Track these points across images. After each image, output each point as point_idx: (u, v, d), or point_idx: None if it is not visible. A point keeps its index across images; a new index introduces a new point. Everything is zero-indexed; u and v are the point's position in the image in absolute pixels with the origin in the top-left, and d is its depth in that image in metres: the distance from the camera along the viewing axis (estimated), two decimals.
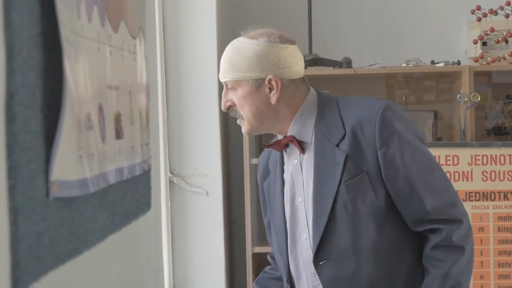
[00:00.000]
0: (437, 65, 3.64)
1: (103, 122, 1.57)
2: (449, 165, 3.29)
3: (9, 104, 1.15)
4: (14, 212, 1.15)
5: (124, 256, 1.85)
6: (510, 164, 3.30)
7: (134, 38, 1.88)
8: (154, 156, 2.23)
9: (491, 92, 3.90)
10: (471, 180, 3.31)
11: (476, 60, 3.64)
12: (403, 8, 4.08)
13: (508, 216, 3.30)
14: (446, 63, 3.62)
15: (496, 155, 3.31)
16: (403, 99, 3.90)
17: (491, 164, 3.31)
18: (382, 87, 3.94)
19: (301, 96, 2.06)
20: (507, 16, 3.58)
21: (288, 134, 2.05)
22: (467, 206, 2.03)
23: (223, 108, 2.06)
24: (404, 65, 3.66)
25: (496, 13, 3.59)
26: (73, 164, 1.35)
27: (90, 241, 1.51)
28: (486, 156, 3.31)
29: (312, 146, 2.03)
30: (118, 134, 1.69)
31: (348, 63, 3.61)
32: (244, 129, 2.07)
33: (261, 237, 3.45)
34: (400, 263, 2.02)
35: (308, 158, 2.04)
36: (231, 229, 3.84)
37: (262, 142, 3.70)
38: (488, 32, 3.63)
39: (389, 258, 2.00)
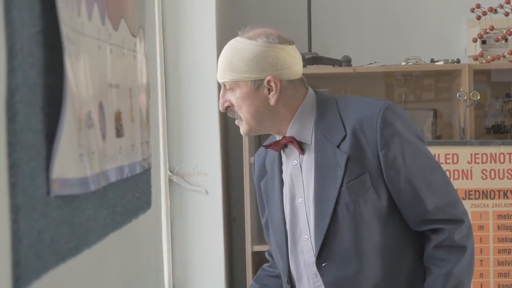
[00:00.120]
0: (436, 63, 3.64)
1: (104, 120, 1.57)
2: (449, 163, 3.29)
3: (10, 102, 1.15)
4: (15, 210, 1.15)
5: (125, 255, 1.85)
6: (509, 162, 3.30)
7: (134, 36, 1.87)
8: (154, 155, 2.22)
9: (490, 90, 3.90)
10: (471, 179, 3.31)
11: (475, 59, 3.64)
12: (403, 6, 4.08)
13: (508, 215, 3.30)
14: (446, 61, 3.62)
15: (495, 154, 3.31)
16: (403, 97, 3.90)
17: (490, 162, 3.31)
18: (381, 86, 3.94)
19: (300, 96, 2.05)
20: (506, 14, 3.58)
21: (287, 134, 2.04)
22: (467, 204, 2.04)
23: (221, 108, 2.05)
24: (403, 63, 3.66)
25: (495, 11, 3.59)
26: (74, 162, 1.35)
27: (91, 239, 1.51)
28: (486, 154, 3.31)
29: (312, 147, 2.02)
30: (119, 132, 1.68)
31: (347, 61, 3.61)
32: (243, 130, 2.06)
33: (261, 236, 3.45)
34: (402, 263, 2.02)
35: (308, 159, 2.03)
36: (231, 228, 3.84)
37: (261, 141, 3.69)
38: (487, 30, 3.63)
39: (392, 258, 2.00)
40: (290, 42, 2.03)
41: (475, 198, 3.30)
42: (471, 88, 3.48)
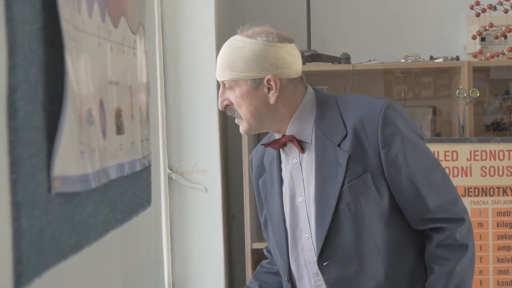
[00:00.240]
0: (436, 60, 3.64)
1: (104, 118, 1.57)
2: (448, 160, 3.29)
3: (11, 99, 1.15)
4: (16, 207, 1.15)
5: (125, 252, 1.85)
6: (509, 159, 3.30)
7: (134, 33, 1.87)
8: (154, 152, 2.22)
9: (488, 87, 3.90)
10: (470, 176, 3.31)
11: (475, 56, 3.64)
12: (402, 3, 4.07)
13: (507, 212, 3.30)
14: (445, 58, 3.61)
15: (495, 151, 3.31)
16: (402, 94, 3.90)
17: (490, 159, 3.31)
18: (380, 83, 3.93)
19: (300, 95, 2.04)
20: (506, 11, 3.58)
21: (287, 133, 2.04)
22: (466, 201, 2.04)
23: (220, 107, 2.04)
24: (403, 60, 3.66)
25: (495, 8, 3.59)
26: (74, 159, 1.35)
27: (92, 237, 1.51)
28: (485, 151, 3.31)
29: (312, 145, 2.01)
30: (119, 130, 1.68)
31: (346, 58, 3.60)
32: (242, 129, 2.05)
33: (260, 233, 3.44)
34: (404, 262, 2.02)
35: (308, 158, 2.03)
36: (230, 225, 3.84)
37: (260, 139, 3.69)
38: (487, 27, 3.63)
39: (393, 257, 2.00)
40: (290, 41, 2.02)
41: (475, 195, 3.30)
42: (471, 85, 3.48)
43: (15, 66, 1.15)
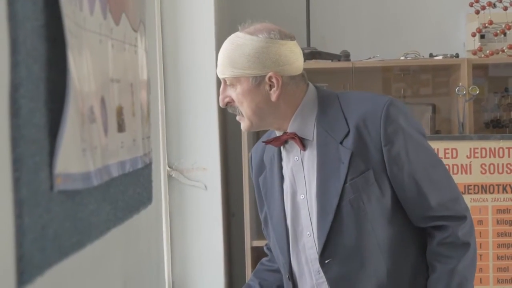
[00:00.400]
0: (435, 58, 3.64)
1: (106, 115, 1.56)
2: (448, 158, 3.29)
3: (13, 97, 1.14)
4: (19, 204, 1.15)
5: (126, 250, 1.85)
6: (509, 157, 3.30)
7: (135, 31, 1.87)
8: (153, 150, 2.22)
9: (487, 85, 3.90)
10: (470, 173, 3.31)
11: (474, 53, 3.64)
12: (401, 1, 4.07)
13: (507, 209, 3.30)
14: (445, 56, 3.61)
15: (494, 148, 3.30)
16: (401, 92, 3.90)
17: (490, 157, 3.31)
18: (380, 80, 3.93)
19: (301, 92, 2.03)
20: (505, 8, 3.57)
21: (289, 130, 2.03)
22: (466, 199, 2.04)
23: (221, 104, 2.04)
24: (402, 58, 3.66)
25: (494, 5, 3.59)
26: (76, 157, 1.35)
27: (93, 235, 1.51)
28: (485, 149, 3.31)
29: (314, 143, 2.01)
30: (120, 127, 1.68)
31: (346, 56, 3.60)
32: (244, 126, 2.04)
33: (260, 231, 3.44)
34: (405, 259, 2.02)
35: (310, 155, 2.02)
36: (230, 223, 3.84)
37: (259, 136, 3.69)
38: (486, 25, 3.62)
39: (395, 254, 1.99)
40: (292, 38, 2.01)
41: (474, 193, 3.30)
42: (470, 82, 3.48)
43: (17, 64, 1.15)
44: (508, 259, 3.29)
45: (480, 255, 3.25)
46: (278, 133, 2.08)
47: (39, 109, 1.23)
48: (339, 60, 3.58)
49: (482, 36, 3.69)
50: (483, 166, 3.31)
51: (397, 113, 1.95)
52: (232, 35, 2.01)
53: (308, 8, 3.76)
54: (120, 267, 1.80)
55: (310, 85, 2.06)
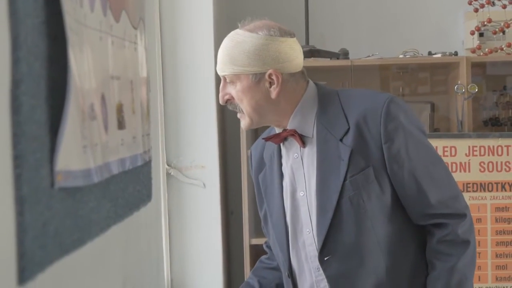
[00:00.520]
0: (434, 56, 3.63)
1: (106, 112, 1.56)
2: (447, 156, 3.29)
3: (14, 93, 1.14)
4: (20, 201, 1.15)
5: (126, 247, 1.85)
6: (507, 155, 3.30)
7: (135, 28, 1.87)
8: (153, 148, 2.22)
9: (485, 83, 3.90)
10: (469, 171, 3.31)
11: (473, 51, 3.63)
12: None
13: (506, 207, 3.30)
14: (443, 54, 3.61)
15: (493, 146, 3.30)
16: (400, 90, 3.90)
17: (488, 155, 3.31)
18: (379, 79, 3.93)
19: (301, 89, 2.03)
20: (504, 7, 3.57)
21: (288, 127, 2.03)
22: (465, 197, 2.04)
23: (221, 101, 2.04)
24: (401, 56, 3.65)
25: (493, 3, 3.58)
26: (77, 154, 1.34)
27: (94, 232, 1.51)
28: (484, 147, 3.31)
29: (314, 140, 2.01)
30: (120, 125, 1.68)
31: (345, 54, 3.60)
32: (244, 123, 2.04)
33: (258, 229, 3.44)
34: (405, 257, 2.02)
35: (310, 152, 2.02)
36: (228, 221, 3.84)
37: (258, 134, 3.69)
38: (485, 23, 3.62)
39: (394, 252, 1.99)
40: (291, 35, 2.01)
41: (473, 191, 3.30)
42: (469, 80, 3.47)
43: (18, 61, 1.15)
44: (506, 257, 3.29)
45: (479, 253, 3.24)
46: (277, 130, 2.08)
47: (40, 106, 1.23)
48: (337, 58, 3.58)
49: (481, 34, 3.69)
50: (482, 164, 3.31)
51: (398, 110, 1.95)
52: (232, 33, 2.01)
53: (307, 6, 3.76)
54: (120, 264, 1.80)
55: (310, 82, 2.06)
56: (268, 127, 2.20)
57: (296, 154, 2.04)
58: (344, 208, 1.96)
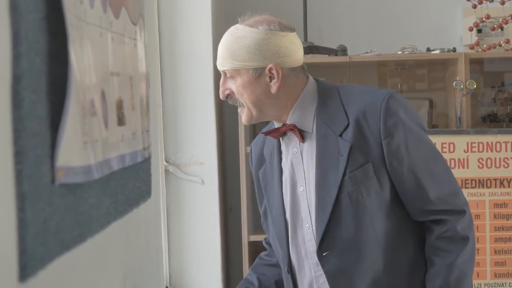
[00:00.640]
0: (432, 52, 3.63)
1: (106, 109, 1.55)
2: (445, 152, 3.29)
3: (15, 88, 1.13)
4: (21, 198, 1.14)
5: (126, 243, 1.84)
6: (506, 151, 3.31)
7: (134, 24, 1.86)
8: (152, 144, 2.21)
9: (483, 80, 3.90)
10: (467, 168, 3.31)
11: (471, 47, 3.64)
12: None
13: (504, 203, 3.31)
14: (442, 50, 3.61)
15: (492, 142, 3.31)
16: (399, 86, 3.90)
17: (487, 151, 3.31)
18: (377, 75, 3.93)
19: (301, 84, 2.04)
20: (502, 3, 3.57)
21: (288, 122, 2.03)
22: (463, 193, 2.05)
23: (221, 97, 2.04)
24: (399, 52, 3.65)
25: (491, 0, 3.58)
26: (78, 150, 1.34)
27: (94, 228, 1.50)
28: (482, 143, 3.31)
29: (313, 135, 2.01)
30: (120, 121, 1.67)
31: (343, 50, 3.60)
32: (245, 118, 2.04)
33: (257, 226, 3.45)
34: (403, 254, 2.02)
35: (309, 147, 2.02)
36: (227, 218, 3.84)
37: (256, 131, 3.69)
38: (483, 19, 3.63)
39: (393, 248, 2.00)
40: (291, 29, 2.01)
41: (472, 187, 3.31)
42: (467, 77, 3.48)
43: (19, 56, 1.14)
44: (505, 253, 3.29)
45: (477, 249, 3.25)
46: (277, 125, 2.08)
47: (40, 101, 1.22)
48: (336, 55, 3.58)
49: (479, 31, 3.70)
50: (481, 160, 3.31)
51: (397, 106, 1.95)
52: (232, 28, 2.01)
53: (305, 2, 3.76)
54: (121, 260, 1.80)
55: (310, 77, 2.07)
56: (267, 123, 2.20)
57: (295, 149, 2.05)
58: (343, 204, 1.96)
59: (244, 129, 3.48)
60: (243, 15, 2.02)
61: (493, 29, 3.64)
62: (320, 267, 2.02)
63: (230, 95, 2.02)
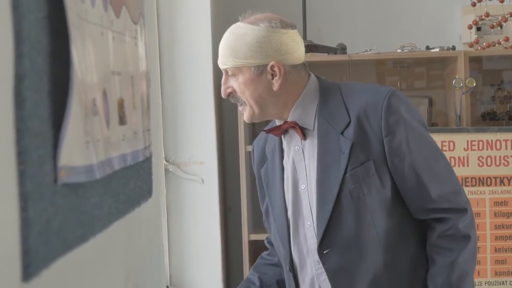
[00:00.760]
0: (432, 50, 3.63)
1: (107, 108, 1.55)
2: (445, 150, 3.29)
3: (18, 88, 1.13)
4: (24, 197, 1.14)
5: (128, 242, 1.84)
6: (506, 149, 3.31)
7: (135, 23, 1.86)
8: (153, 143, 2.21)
9: (481, 78, 3.90)
10: (467, 166, 3.31)
11: (471, 46, 3.64)
12: None
13: (504, 201, 3.31)
14: (441, 48, 3.61)
15: (492, 140, 3.31)
16: (398, 85, 3.90)
17: (487, 149, 3.31)
18: (376, 73, 3.93)
19: (303, 81, 2.04)
20: (501, 1, 3.57)
21: (289, 119, 2.03)
22: None
23: (223, 95, 2.04)
24: (399, 50, 3.65)
25: None
26: (80, 149, 1.34)
27: (96, 228, 1.50)
28: (482, 141, 3.31)
29: (315, 132, 2.01)
30: (122, 120, 1.67)
31: (342, 49, 3.60)
32: (247, 116, 2.04)
33: (257, 225, 3.45)
34: (404, 252, 2.01)
35: (311, 145, 2.02)
36: (227, 217, 3.84)
37: (256, 130, 3.69)
38: (482, 17, 3.63)
39: (394, 246, 1.99)
40: (293, 27, 2.01)
41: (472, 185, 3.31)
42: (467, 75, 3.48)
43: (22, 56, 1.14)
44: (505, 251, 3.29)
45: (478, 248, 3.24)
46: (278, 122, 2.08)
47: (43, 101, 1.22)
48: (335, 53, 3.58)
49: (479, 29, 3.70)
50: (480, 158, 3.31)
51: (399, 103, 1.95)
52: (233, 26, 2.01)
53: (304, 1, 3.75)
54: (122, 260, 1.80)
55: (312, 75, 2.07)
56: (267, 122, 2.20)
57: (297, 147, 2.04)
58: (344, 201, 1.96)
59: (244, 128, 3.47)
60: (243, 13, 2.02)
61: (492, 27, 3.64)
62: (321, 264, 2.02)
63: (232, 93, 2.01)
